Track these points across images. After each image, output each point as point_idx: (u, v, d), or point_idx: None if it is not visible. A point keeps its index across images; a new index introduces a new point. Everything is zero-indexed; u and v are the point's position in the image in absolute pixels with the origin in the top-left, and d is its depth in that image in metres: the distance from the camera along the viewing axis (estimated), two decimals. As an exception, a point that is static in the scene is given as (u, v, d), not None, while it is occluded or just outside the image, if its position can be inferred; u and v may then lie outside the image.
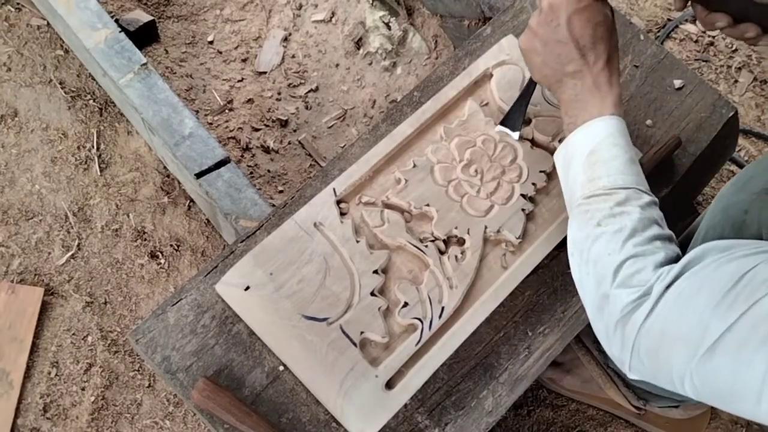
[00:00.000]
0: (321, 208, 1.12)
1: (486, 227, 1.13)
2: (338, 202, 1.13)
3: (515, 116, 1.18)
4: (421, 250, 1.10)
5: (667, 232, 0.91)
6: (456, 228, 1.13)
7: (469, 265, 1.10)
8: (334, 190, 1.13)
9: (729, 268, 0.79)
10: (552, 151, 1.21)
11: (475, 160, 1.18)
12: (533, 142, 1.22)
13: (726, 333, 0.75)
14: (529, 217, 1.16)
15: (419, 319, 1.06)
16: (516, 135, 1.18)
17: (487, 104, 1.24)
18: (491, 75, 1.26)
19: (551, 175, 1.19)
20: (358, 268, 1.08)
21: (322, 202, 1.12)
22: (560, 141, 1.04)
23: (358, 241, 1.10)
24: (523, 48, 1.06)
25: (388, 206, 1.14)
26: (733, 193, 0.91)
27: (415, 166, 1.16)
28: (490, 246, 1.14)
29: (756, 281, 0.75)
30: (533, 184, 1.17)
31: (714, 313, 0.77)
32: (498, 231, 1.13)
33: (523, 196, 1.16)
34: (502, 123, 1.19)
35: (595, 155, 0.96)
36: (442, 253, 1.11)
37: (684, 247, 0.98)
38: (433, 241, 1.12)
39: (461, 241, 1.13)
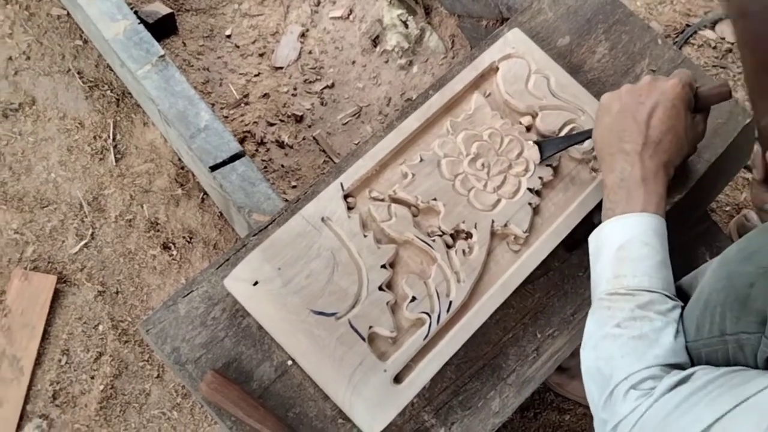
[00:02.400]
0: (328, 202, 1.12)
1: (493, 221, 1.13)
2: (346, 197, 1.13)
3: (551, 148, 1.17)
4: (429, 245, 1.10)
5: (683, 340, 0.91)
6: (463, 222, 1.12)
7: (476, 259, 1.10)
8: (341, 184, 1.13)
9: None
10: None
11: (481, 153, 1.17)
12: (540, 136, 1.21)
13: (715, 422, 0.74)
14: (536, 210, 1.16)
15: (427, 314, 1.06)
16: (538, 161, 1.17)
17: (490, 95, 1.23)
18: (497, 68, 1.26)
19: (557, 168, 1.19)
20: (366, 262, 1.08)
21: (330, 197, 1.12)
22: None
23: (365, 236, 1.10)
24: (603, 103, 1.06)
25: (395, 200, 1.14)
26: (739, 262, 0.89)
27: (422, 160, 1.16)
28: (498, 240, 1.14)
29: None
30: (540, 177, 1.17)
31: (704, 409, 0.76)
32: (505, 225, 1.13)
33: (529, 189, 1.16)
34: (538, 144, 1.18)
35: (624, 251, 0.95)
36: (449, 247, 1.11)
37: (684, 296, 0.98)
38: (440, 235, 1.12)
39: (468, 236, 1.13)
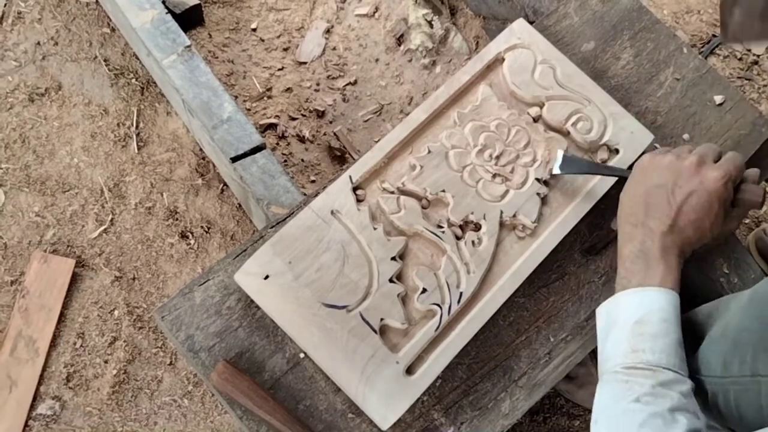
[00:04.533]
0: (337, 195, 1.12)
1: (502, 212, 1.13)
2: (355, 190, 1.13)
3: (573, 167, 1.15)
4: (438, 236, 1.10)
5: (702, 422, 0.88)
6: (472, 213, 1.13)
7: (485, 250, 1.10)
8: (350, 177, 1.13)
9: None
10: (565, 134, 1.21)
11: (489, 144, 1.17)
12: (547, 125, 1.21)
13: None
14: (544, 201, 1.16)
15: (438, 305, 1.06)
16: (555, 171, 1.15)
17: (492, 85, 1.24)
18: (503, 59, 1.26)
19: None
20: (376, 255, 1.08)
21: (339, 190, 1.12)
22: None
23: (375, 228, 1.10)
24: (642, 165, 1.04)
25: (403, 193, 1.14)
26: None
27: (429, 152, 1.16)
28: (506, 231, 1.14)
29: None
30: (549, 168, 1.17)
31: None
32: (514, 215, 1.13)
33: (537, 180, 1.16)
34: (564, 156, 1.16)
35: (642, 326, 0.93)
36: (458, 238, 1.11)
37: (701, 326, 0.96)
38: (449, 226, 1.12)
39: (477, 227, 1.13)
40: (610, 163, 1.19)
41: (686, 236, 0.98)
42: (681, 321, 1.00)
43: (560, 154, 1.16)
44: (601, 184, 1.17)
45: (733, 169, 0.99)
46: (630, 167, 1.11)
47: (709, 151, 1.02)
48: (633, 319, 0.94)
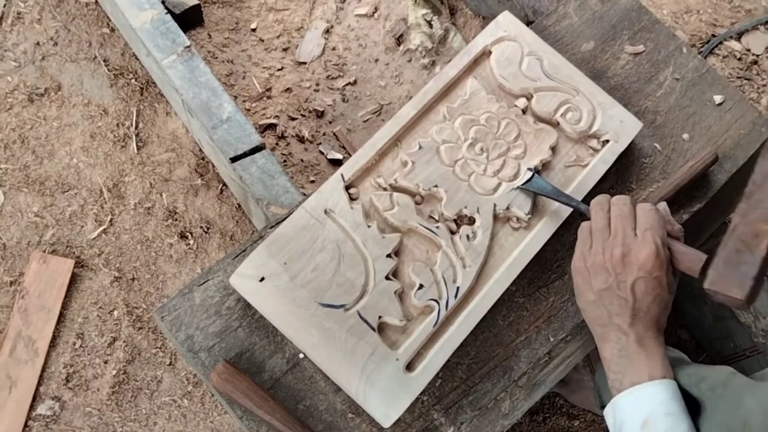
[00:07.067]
0: (330, 194, 1.12)
1: (495, 205, 1.13)
2: (348, 188, 1.13)
3: (538, 187, 1.14)
4: (433, 232, 1.10)
5: None
6: (465, 207, 1.12)
7: (480, 243, 1.10)
8: (342, 175, 1.13)
9: None
10: (554, 125, 1.21)
11: (479, 138, 1.17)
12: (536, 117, 1.21)
13: None
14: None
15: (435, 301, 1.06)
16: (520, 183, 1.14)
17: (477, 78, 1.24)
18: (490, 52, 1.26)
19: (555, 149, 1.19)
20: (371, 253, 1.08)
21: (331, 189, 1.12)
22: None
23: (369, 226, 1.09)
24: (578, 269, 1.05)
25: (396, 189, 1.14)
26: None
27: (420, 147, 1.16)
28: (500, 223, 1.14)
29: None
30: (540, 159, 1.17)
31: None
32: (507, 208, 1.13)
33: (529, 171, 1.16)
34: (536, 171, 1.15)
35: (649, 427, 0.92)
36: (453, 233, 1.11)
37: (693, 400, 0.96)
38: (443, 221, 1.12)
39: (471, 220, 1.13)
40: (603, 151, 1.19)
41: (653, 314, 0.98)
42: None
43: (527, 172, 1.15)
44: (592, 174, 1.17)
45: (656, 235, 0.99)
46: (586, 201, 1.10)
47: (624, 221, 1.01)
48: (638, 422, 0.93)
